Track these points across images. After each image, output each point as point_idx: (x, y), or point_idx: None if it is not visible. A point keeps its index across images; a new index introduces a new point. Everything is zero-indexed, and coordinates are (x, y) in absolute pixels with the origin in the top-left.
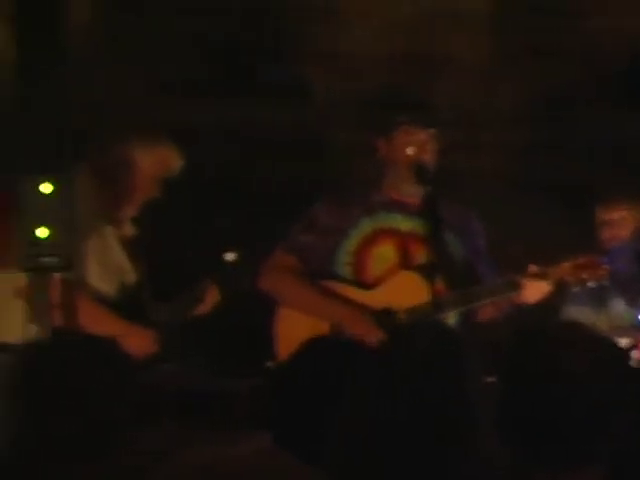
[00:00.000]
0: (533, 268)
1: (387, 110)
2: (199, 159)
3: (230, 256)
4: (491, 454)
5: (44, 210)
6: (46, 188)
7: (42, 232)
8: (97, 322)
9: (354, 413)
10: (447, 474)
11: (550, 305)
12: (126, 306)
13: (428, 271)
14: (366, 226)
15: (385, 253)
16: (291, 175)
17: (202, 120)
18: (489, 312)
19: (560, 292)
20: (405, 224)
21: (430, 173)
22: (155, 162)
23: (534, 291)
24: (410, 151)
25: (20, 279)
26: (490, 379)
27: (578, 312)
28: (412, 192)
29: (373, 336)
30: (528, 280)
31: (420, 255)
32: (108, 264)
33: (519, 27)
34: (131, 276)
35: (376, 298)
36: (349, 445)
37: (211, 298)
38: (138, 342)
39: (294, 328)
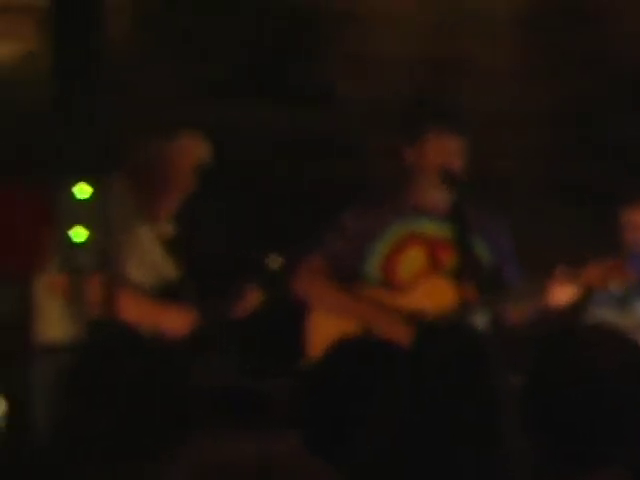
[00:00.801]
0: (560, 271)
1: (417, 116)
2: (231, 160)
3: (274, 261)
4: (516, 454)
5: (81, 212)
6: (83, 190)
7: (79, 234)
8: (136, 307)
9: (382, 412)
10: (470, 473)
11: (575, 307)
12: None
13: (456, 275)
14: (395, 231)
15: (414, 257)
16: (321, 178)
17: (231, 121)
18: (517, 315)
19: (586, 294)
20: (434, 229)
21: (459, 179)
22: (185, 153)
23: (561, 294)
24: (440, 158)
25: (60, 280)
26: (517, 380)
27: (602, 314)
28: (440, 198)
29: (403, 338)
30: (555, 283)
31: (449, 259)
32: (147, 264)
33: (547, 30)
34: (171, 275)
35: (405, 302)
36: (377, 443)
37: (252, 301)
38: (177, 320)
39: (325, 330)
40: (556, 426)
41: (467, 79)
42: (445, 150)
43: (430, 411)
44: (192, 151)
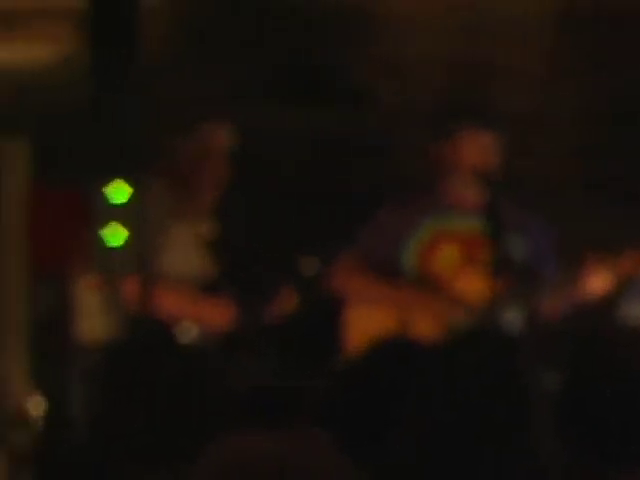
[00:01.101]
0: (593, 259)
1: (450, 114)
2: (267, 161)
3: (310, 264)
4: (547, 454)
5: (119, 213)
6: (120, 192)
7: (116, 235)
8: (176, 301)
9: (417, 413)
10: (503, 474)
11: (611, 298)
12: None
13: (491, 271)
14: (429, 228)
15: (449, 254)
16: (355, 178)
17: (267, 123)
18: (552, 309)
19: (621, 284)
20: (468, 225)
21: (493, 176)
22: (211, 140)
23: (596, 283)
24: (474, 155)
25: (98, 280)
26: (551, 376)
27: (636, 310)
28: (474, 195)
29: (440, 328)
30: (590, 272)
31: (483, 255)
32: (184, 263)
33: (580, 32)
34: (208, 273)
35: (441, 297)
36: (412, 444)
37: (288, 304)
38: (217, 314)
39: (362, 326)
40: (589, 423)
41: (495, 80)
42: (480, 147)
43: (464, 411)
44: (218, 138)
